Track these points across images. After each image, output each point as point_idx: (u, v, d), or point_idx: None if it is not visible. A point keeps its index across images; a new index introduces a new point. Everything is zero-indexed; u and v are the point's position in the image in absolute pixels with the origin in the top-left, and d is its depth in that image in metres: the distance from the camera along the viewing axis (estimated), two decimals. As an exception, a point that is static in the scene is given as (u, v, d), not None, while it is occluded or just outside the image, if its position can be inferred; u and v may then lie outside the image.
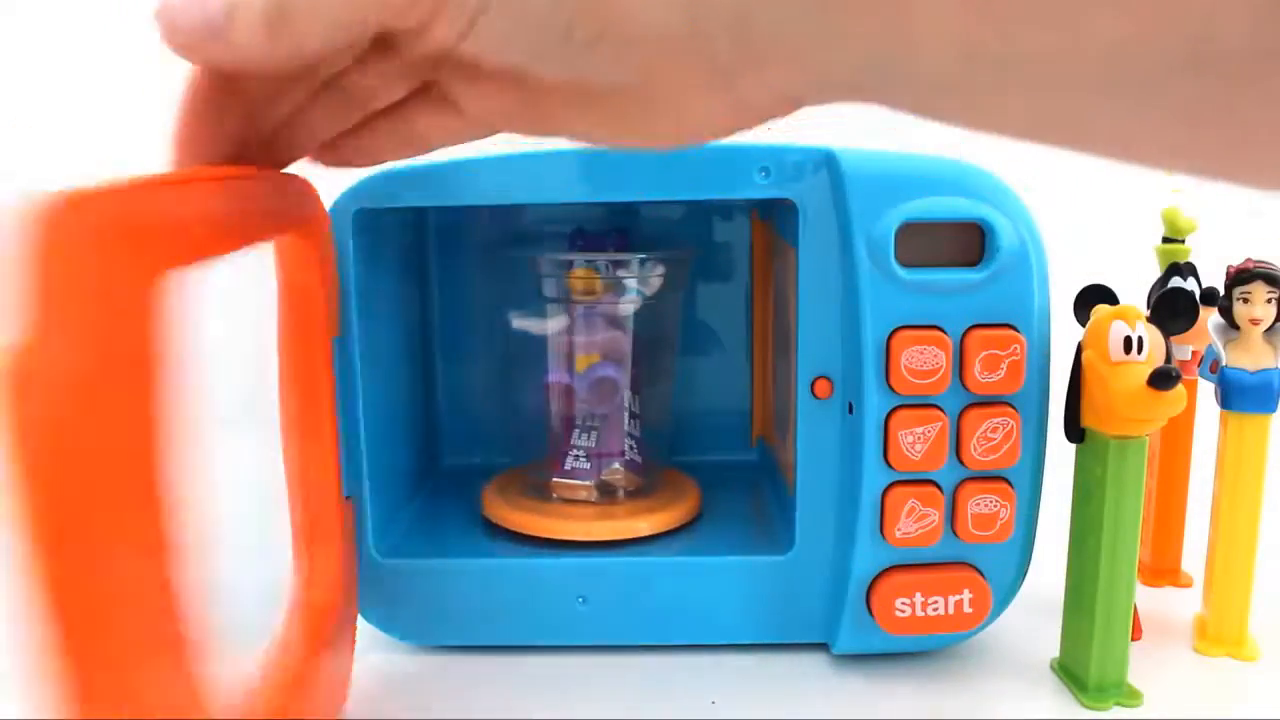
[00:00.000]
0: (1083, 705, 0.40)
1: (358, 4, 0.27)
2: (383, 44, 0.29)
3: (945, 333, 0.38)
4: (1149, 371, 0.36)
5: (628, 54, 0.27)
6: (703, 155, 0.40)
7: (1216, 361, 0.44)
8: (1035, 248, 0.39)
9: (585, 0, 0.26)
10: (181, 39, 0.28)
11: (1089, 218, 0.68)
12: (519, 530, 0.46)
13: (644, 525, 0.46)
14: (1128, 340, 0.38)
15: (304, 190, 0.36)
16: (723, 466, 0.55)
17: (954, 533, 0.40)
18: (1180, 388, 0.37)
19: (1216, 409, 0.44)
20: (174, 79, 0.30)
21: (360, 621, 0.43)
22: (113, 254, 0.22)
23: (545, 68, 0.28)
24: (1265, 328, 0.42)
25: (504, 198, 0.43)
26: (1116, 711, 0.40)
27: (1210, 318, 0.43)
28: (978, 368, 0.38)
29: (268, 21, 0.27)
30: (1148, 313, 0.41)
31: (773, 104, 0.28)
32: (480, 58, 0.28)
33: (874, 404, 0.39)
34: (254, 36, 0.27)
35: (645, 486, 0.50)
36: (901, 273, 0.38)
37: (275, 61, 0.28)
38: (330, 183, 0.41)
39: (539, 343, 0.49)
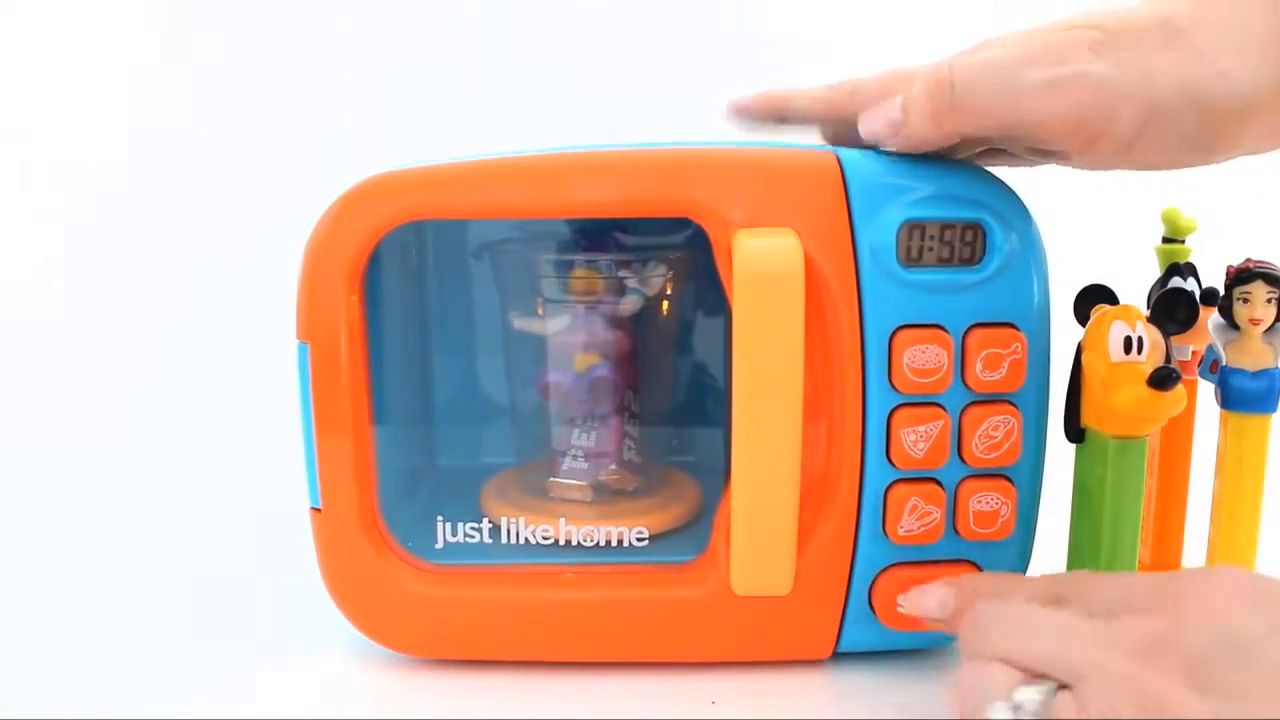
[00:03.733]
0: (1083, 704, 0.40)
1: (1013, 122, 0.36)
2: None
3: (947, 331, 0.39)
4: (1149, 371, 0.36)
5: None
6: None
7: (1216, 361, 0.44)
8: (1035, 247, 0.39)
9: (1226, 125, 0.34)
10: (873, 138, 0.39)
11: (1089, 218, 0.68)
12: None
13: (643, 526, 0.46)
14: (1128, 340, 0.38)
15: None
16: (723, 466, 0.54)
17: (955, 530, 0.40)
18: (1180, 388, 0.37)
19: (1216, 409, 0.44)
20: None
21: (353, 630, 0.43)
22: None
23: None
24: (1265, 328, 0.42)
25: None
26: (1117, 711, 0.39)
27: (1210, 318, 0.43)
28: (979, 366, 0.38)
29: (935, 118, 0.37)
30: (1148, 313, 0.41)
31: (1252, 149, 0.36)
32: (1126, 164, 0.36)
33: (876, 402, 0.39)
34: (923, 129, 0.37)
35: (644, 486, 0.50)
36: (903, 272, 0.39)
37: (939, 142, 0.38)
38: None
39: (539, 343, 0.49)
